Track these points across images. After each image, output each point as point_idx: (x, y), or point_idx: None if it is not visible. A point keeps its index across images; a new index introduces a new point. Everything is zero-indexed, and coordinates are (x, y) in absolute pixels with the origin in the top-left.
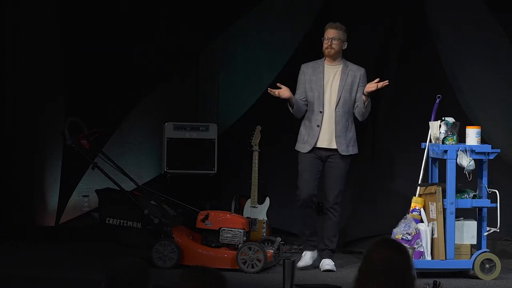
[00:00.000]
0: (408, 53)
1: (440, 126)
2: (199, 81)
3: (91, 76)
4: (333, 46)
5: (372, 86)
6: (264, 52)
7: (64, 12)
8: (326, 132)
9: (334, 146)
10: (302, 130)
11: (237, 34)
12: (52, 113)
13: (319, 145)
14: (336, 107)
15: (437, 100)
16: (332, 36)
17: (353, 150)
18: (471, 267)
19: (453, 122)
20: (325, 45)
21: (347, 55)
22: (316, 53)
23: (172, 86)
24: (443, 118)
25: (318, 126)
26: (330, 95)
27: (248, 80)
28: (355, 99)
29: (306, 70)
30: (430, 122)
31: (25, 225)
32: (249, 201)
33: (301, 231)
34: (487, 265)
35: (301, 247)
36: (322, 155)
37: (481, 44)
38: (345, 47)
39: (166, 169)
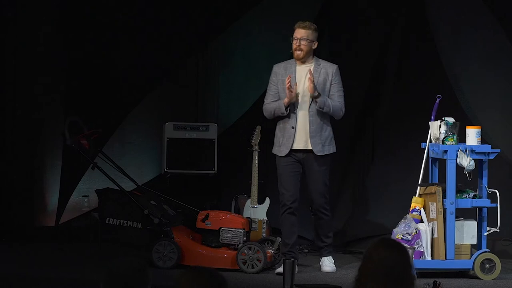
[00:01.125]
0: (408, 53)
1: (440, 126)
2: (199, 81)
3: (91, 76)
4: (302, 47)
5: (309, 85)
6: (264, 52)
7: (64, 12)
8: (301, 133)
9: (309, 147)
10: (278, 132)
11: (237, 34)
12: (52, 113)
13: (295, 146)
14: (309, 107)
15: (437, 100)
16: (300, 36)
17: (329, 149)
18: (471, 267)
19: (453, 122)
20: (294, 46)
21: (347, 54)
22: (316, 53)
23: (172, 86)
24: (443, 118)
25: (292, 127)
26: (303, 95)
27: (248, 80)
28: (328, 97)
29: (278, 71)
30: (430, 122)
31: (25, 225)
32: (249, 201)
33: (283, 241)
34: (487, 265)
35: (301, 247)
36: (299, 158)
37: (481, 44)
38: (315, 46)
39: (166, 169)
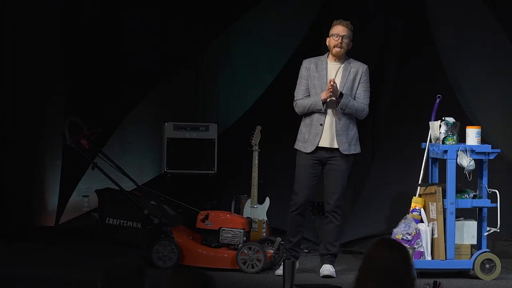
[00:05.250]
0: (409, 53)
1: (440, 126)
2: (199, 81)
3: (91, 76)
4: (343, 44)
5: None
6: (264, 52)
7: (64, 12)
8: (328, 131)
9: (335, 146)
10: (303, 128)
11: (237, 34)
12: (52, 113)
13: (321, 144)
14: (336, 105)
15: (437, 100)
16: (343, 33)
17: (355, 149)
18: (471, 267)
19: (453, 122)
20: (334, 42)
21: (347, 54)
22: (316, 54)
23: (172, 86)
24: (443, 118)
25: (321, 124)
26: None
27: (248, 80)
28: (355, 95)
29: (309, 66)
30: (430, 122)
31: (25, 225)
32: (249, 201)
33: (287, 238)
34: (487, 265)
35: (301, 247)
36: (322, 157)
37: (481, 44)
38: (350, 47)
39: (166, 169)
